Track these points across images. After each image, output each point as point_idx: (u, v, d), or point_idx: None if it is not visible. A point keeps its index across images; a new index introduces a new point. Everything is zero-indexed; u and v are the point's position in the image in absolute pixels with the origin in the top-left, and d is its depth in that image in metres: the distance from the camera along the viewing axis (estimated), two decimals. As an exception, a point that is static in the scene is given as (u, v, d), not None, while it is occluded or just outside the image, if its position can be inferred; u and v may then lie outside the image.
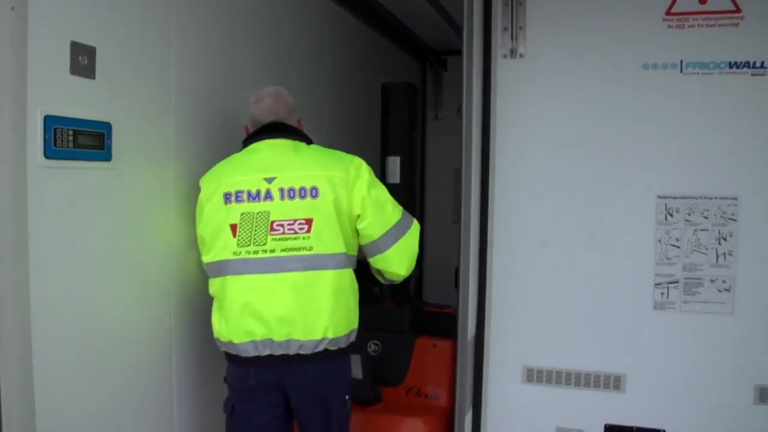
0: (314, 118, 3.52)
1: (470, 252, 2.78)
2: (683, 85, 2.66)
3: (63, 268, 1.92)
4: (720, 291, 2.67)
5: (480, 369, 2.86)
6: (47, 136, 1.82)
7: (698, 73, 2.65)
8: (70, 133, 1.89)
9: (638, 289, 2.74)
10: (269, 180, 2.21)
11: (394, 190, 3.29)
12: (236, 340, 2.18)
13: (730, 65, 2.62)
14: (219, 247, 2.21)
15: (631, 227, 2.74)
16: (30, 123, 1.78)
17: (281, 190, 2.19)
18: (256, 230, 2.18)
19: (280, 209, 2.19)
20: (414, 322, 3.18)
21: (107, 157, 2.04)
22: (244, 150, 2.34)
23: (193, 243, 2.49)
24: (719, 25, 2.63)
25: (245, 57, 2.84)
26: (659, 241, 2.71)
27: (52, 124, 1.83)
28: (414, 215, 3.37)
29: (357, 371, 2.91)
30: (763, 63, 2.59)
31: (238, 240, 2.18)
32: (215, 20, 2.62)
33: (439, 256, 3.61)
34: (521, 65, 2.81)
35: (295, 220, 2.18)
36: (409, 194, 3.30)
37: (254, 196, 2.20)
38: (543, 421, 2.86)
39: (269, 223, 2.17)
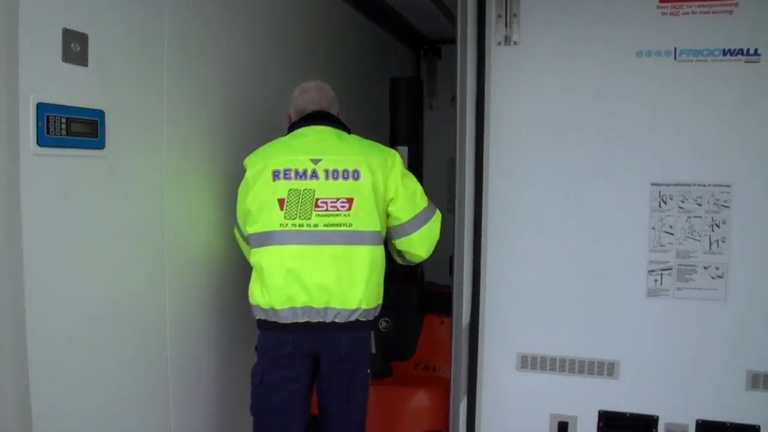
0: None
1: (464, 240, 2.78)
2: (677, 72, 2.66)
3: (57, 256, 1.92)
4: (713, 278, 2.68)
5: (475, 356, 2.88)
6: (40, 123, 1.81)
7: (692, 61, 2.65)
8: (63, 120, 1.88)
9: (632, 276, 2.74)
10: (315, 161, 2.41)
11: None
12: (278, 306, 2.35)
13: (724, 52, 2.62)
14: (265, 219, 2.39)
15: (625, 214, 2.74)
16: (22, 110, 1.78)
17: (326, 171, 2.41)
18: (302, 205, 2.38)
19: (324, 188, 2.39)
20: (422, 301, 3.40)
21: (100, 145, 2.03)
22: (290, 135, 2.54)
23: (186, 231, 2.50)
24: (713, 13, 2.62)
25: (239, 44, 2.83)
26: (653, 228, 2.72)
27: (45, 111, 1.83)
28: None
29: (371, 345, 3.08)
30: (756, 50, 2.59)
31: (285, 213, 2.38)
32: (209, 8, 2.61)
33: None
34: (515, 53, 2.80)
35: (338, 199, 2.39)
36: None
37: (301, 175, 2.40)
38: (538, 407, 2.87)
39: (314, 200, 2.38)
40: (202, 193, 2.61)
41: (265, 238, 2.38)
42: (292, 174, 2.39)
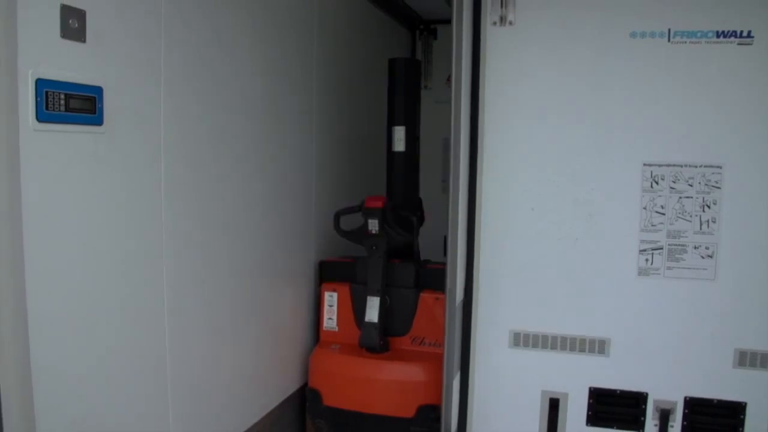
0: (302, 85, 3.51)
1: (459, 219, 2.81)
2: (670, 53, 2.68)
3: (56, 230, 1.93)
4: (703, 257, 2.72)
5: (468, 333, 2.91)
6: (39, 99, 1.82)
7: (686, 42, 2.67)
8: (62, 96, 1.89)
9: (623, 255, 2.78)
10: None
11: (399, 157, 3.62)
12: None
13: (717, 34, 2.63)
14: None
15: (617, 194, 2.77)
16: (21, 86, 1.78)
17: None
18: None
19: None
20: (418, 278, 3.47)
21: (98, 121, 2.04)
22: None
23: (183, 206, 2.50)
24: (707, -6, 2.64)
25: (236, 19, 2.82)
26: (644, 208, 2.75)
27: (44, 87, 1.83)
28: (416, 181, 3.45)
29: (373, 314, 3.23)
30: (749, 32, 2.60)
31: None
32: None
33: (428, 224, 3.67)
34: (511, 33, 2.81)
35: None
36: (412, 161, 3.69)
37: None
38: (529, 384, 2.92)
39: None
40: (200, 169, 2.62)
41: None
42: None
